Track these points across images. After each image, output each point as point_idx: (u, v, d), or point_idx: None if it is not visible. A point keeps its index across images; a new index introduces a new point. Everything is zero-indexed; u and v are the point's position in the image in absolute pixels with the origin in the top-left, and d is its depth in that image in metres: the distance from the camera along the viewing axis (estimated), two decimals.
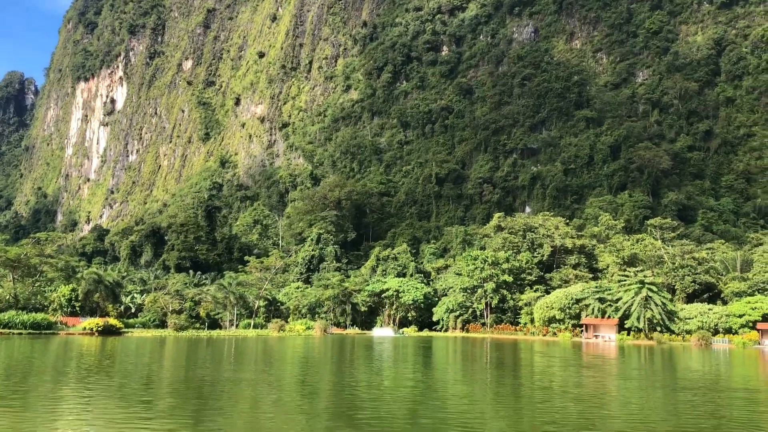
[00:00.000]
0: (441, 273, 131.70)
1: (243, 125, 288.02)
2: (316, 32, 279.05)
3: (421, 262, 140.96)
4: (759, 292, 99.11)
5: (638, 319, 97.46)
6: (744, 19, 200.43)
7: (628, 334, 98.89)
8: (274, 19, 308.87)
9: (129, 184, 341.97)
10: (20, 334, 74.53)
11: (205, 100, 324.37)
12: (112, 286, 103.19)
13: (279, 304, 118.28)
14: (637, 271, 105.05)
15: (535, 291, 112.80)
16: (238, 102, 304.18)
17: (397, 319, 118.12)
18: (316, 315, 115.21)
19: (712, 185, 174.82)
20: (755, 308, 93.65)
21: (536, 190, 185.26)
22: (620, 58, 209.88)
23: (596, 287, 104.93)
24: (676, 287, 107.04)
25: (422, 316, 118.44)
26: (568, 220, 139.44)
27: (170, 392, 25.71)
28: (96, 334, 78.10)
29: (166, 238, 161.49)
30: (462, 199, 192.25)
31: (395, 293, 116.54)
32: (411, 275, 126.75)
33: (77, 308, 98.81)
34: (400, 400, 25.04)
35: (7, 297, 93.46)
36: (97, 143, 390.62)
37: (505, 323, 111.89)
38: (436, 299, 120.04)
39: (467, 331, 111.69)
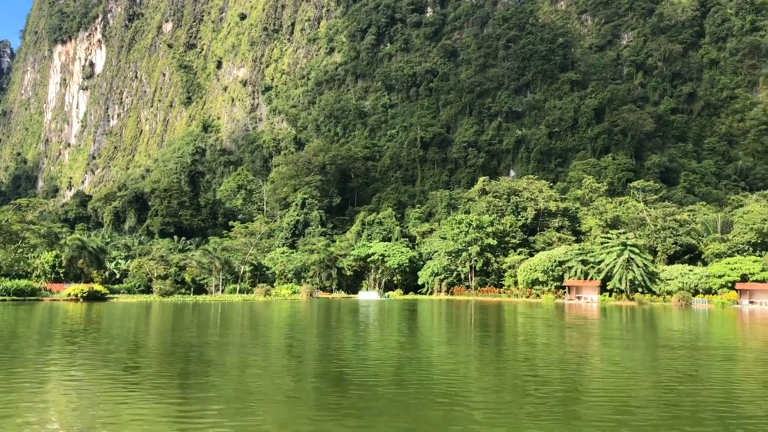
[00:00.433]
0: (426, 237, 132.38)
1: (225, 89, 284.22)
2: None
3: (407, 227, 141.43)
4: (738, 253, 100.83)
5: (620, 280, 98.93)
6: None
7: (610, 296, 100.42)
8: None
9: (110, 150, 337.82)
10: (3, 300, 74.20)
11: (186, 63, 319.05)
12: (96, 252, 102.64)
13: (265, 269, 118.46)
14: (620, 233, 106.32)
15: (518, 254, 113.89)
16: (219, 65, 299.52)
17: (383, 282, 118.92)
18: (302, 279, 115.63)
19: (694, 147, 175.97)
20: (734, 269, 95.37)
21: (521, 153, 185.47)
22: (605, 20, 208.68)
23: (579, 249, 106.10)
24: (657, 249, 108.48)
25: (407, 279, 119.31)
26: (552, 184, 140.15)
27: (157, 356, 25.82)
28: (81, 300, 77.97)
29: (149, 203, 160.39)
30: (447, 163, 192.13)
31: (381, 257, 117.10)
32: (396, 239, 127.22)
33: (61, 275, 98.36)
34: (386, 361, 25.34)
35: None
36: (77, 108, 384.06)
37: (490, 286, 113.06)
38: (422, 263, 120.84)
39: (452, 293, 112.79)
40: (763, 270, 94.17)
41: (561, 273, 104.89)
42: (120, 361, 23.81)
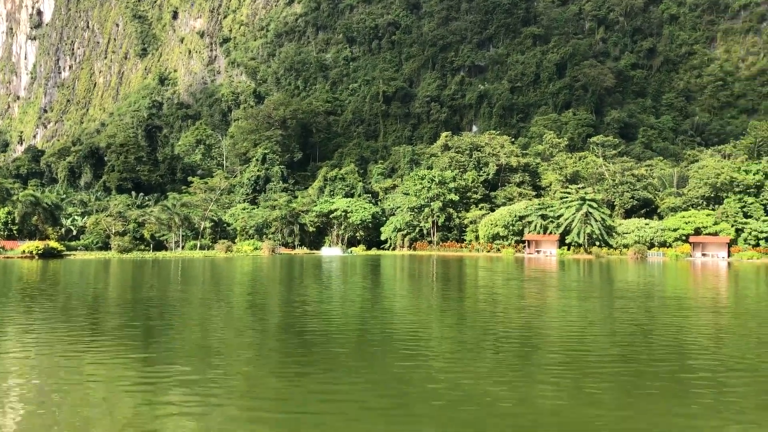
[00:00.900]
0: (389, 193, 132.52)
1: (182, 40, 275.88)
2: None
3: (369, 183, 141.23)
4: (693, 207, 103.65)
5: (578, 234, 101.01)
6: None
7: (569, 249, 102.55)
8: None
9: (63, 103, 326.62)
10: None
11: (140, 13, 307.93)
12: (51, 209, 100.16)
13: (225, 225, 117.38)
14: (579, 188, 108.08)
15: (480, 209, 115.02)
16: (175, 15, 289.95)
17: (346, 238, 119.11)
18: (264, 236, 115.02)
19: (653, 103, 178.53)
20: (689, 222, 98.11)
21: (483, 108, 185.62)
22: None
23: (539, 204, 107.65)
24: (615, 203, 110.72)
25: (370, 235, 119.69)
26: (513, 139, 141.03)
27: (118, 313, 25.48)
28: (36, 257, 76.30)
29: (105, 158, 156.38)
30: (409, 118, 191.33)
31: (343, 213, 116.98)
32: (359, 195, 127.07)
33: (14, 231, 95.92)
34: (349, 315, 25.50)
35: None
36: (25, 59, 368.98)
37: (451, 241, 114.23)
38: (384, 219, 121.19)
39: (414, 249, 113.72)
40: (715, 224, 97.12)
41: (521, 228, 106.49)
42: (80, 318, 23.43)
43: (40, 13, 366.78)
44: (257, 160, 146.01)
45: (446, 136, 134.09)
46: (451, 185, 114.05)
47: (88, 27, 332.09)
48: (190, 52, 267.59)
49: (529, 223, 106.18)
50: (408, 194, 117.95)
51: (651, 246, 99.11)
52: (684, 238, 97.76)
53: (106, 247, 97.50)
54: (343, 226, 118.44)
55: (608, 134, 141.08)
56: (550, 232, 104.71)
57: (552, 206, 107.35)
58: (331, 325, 22.34)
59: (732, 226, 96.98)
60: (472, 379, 13.94)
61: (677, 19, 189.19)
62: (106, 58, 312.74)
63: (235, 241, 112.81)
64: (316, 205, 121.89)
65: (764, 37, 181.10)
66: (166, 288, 38.13)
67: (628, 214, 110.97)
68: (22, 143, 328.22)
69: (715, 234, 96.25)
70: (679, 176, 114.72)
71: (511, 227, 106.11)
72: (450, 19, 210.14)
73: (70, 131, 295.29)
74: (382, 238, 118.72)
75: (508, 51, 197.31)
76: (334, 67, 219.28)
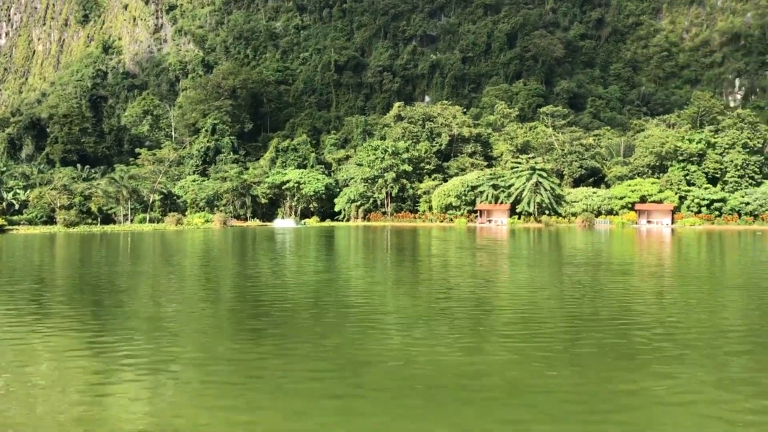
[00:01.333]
0: (342, 164, 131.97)
1: (125, 7, 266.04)
2: None
3: (322, 153, 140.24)
4: (638, 176, 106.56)
5: (528, 203, 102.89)
6: None
7: (519, 218, 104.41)
8: None
9: (0, 72, 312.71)
10: None
11: None
12: None
13: (175, 197, 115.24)
14: (529, 158, 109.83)
15: (433, 179, 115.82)
16: None
17: (299, 210, 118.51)
18: (215, 208, 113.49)
19: (601, 73, 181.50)
20: (634, 190, 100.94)
21: (435, 78, 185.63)
22: None
23: (491, 174, 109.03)
24: (564, 172, 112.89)
25: (324, 206, 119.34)
26: (465, 109, 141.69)
27: (66, 288, 24.92)
28: None
29: (48, 130, 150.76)
30: (362, 88, 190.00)
31: (296, 185, 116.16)
32: (312, 166, 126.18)
33: None
34: (303, 285, 25.55)
35: None
36: None
37: (405, 211, 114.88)
38: (338, 190, 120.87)
39: (368, 220, 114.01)
40: (660, 191, 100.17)
41: (473, 197, 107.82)
42: (24, 293, 22.84)
43: None
44: (207, 130, 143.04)
45: (399, 107, 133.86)
46: (405, 156, 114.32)
47: None
48: (134, 19, 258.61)
49: (481, 193, 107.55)
50: (361, 165, 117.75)
51: (598, 214, 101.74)
52: (630, 205, 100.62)
53: (51, 221, 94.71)
54: (296, 198, 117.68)
55: (558, 104, 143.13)
56: (502, 202, 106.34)
57: (503, 176, 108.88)
58: (285, 296, 22.35)
59: (676, 193, 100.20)
60: (425, 344, 14.22)
61: None
62: (45, 24, 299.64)
63: (186, 213, 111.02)
64: (268, 177, 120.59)
65: (707, 8, 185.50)
66: (116, 262, 37.41)
67: (577, 183, 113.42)
68: None
69: (660, 202, 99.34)
70: (626, 145, 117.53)
71: (463, 197, 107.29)
72: None
73: (9, 101, 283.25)
74: (336, 209, 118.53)
75: (459, 20, 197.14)
76: (285, 36, 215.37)
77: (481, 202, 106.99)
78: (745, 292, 23.01)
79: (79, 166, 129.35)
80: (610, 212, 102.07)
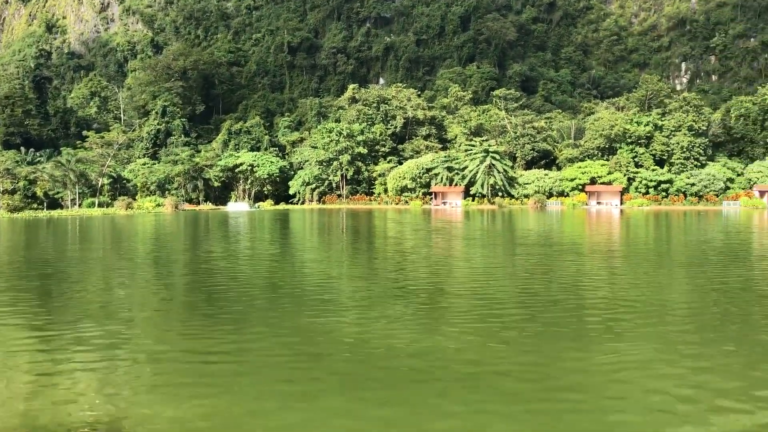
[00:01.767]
0: (296, 146, 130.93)
1: None
2: None
3: (276, 136, 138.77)
4: (589, 158, 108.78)
5: (482, 185, 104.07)
6: None
7: (473, 200, 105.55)
8: None
9: None
10: None
11: None
12: None
13: (125, 181, 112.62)
14: (483, 140, 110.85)
15: (388, 162, 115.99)
16: None
17: (253, 193, 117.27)
18: (167, 192, 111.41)
19: (553, 57, 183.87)
20: (585, 172, 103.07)
21: (389, 61, 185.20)
22: None
23: (445, 157, 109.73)
24: (517, 155, 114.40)
25: (278, 189, 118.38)
26: (419, 92, 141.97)
27: (10, 275, 24.07)
28: None
29: None
30: (316, 70, 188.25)
31: (249, 168, 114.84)
32: (265, 149, 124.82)
33: None
34: (258, 269, 25.29)
35: None
36: None
37: (361, 194, 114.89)
38: (292, 173, 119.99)
39: (324, 203, 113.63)
40: (609, 173, 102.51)
41: (428, 180, 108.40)
42: None
43: None
44: (157, 113, 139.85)
45: (353, 89, 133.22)
46: (360, 138, 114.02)
47: None
48: None
49: (436, 175, 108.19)
50: (316, 147, 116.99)
51: (550, 195, 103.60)
52: (581, 187, 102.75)
53: None
54: (249, 181, 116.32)
55: (510, 87, 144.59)
56: (456, 184, 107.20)
57: (457, 158, 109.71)
58: (239, 280, 22.08)
59: (624, 175, 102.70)
60: (381, 326, 14.24)
61: None
62: None
63: (136, 197, 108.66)
64: (220, 159, 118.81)
65: None
66: (63, 247, 36.36)
67: (529, 165, 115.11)
68: None
69: (609, 183, 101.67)
70: (577, 128, 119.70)
71: (418, 180, 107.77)
72: None
73: None
74: (291, 192, 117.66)
75: (413, 3, 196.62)
76: (236, 17, 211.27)
77: (435, 184, 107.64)
78: (690, 270, 23.76)
79: (23, 149, 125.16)
80: (561, 194, 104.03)
